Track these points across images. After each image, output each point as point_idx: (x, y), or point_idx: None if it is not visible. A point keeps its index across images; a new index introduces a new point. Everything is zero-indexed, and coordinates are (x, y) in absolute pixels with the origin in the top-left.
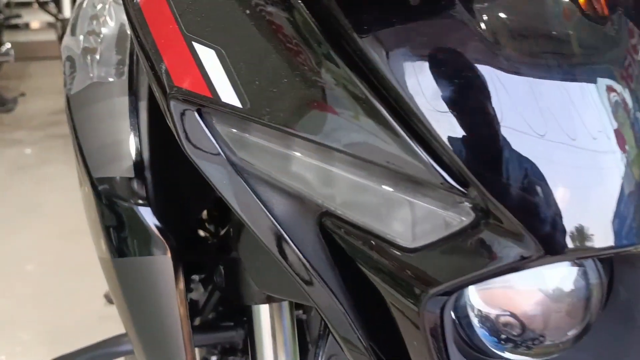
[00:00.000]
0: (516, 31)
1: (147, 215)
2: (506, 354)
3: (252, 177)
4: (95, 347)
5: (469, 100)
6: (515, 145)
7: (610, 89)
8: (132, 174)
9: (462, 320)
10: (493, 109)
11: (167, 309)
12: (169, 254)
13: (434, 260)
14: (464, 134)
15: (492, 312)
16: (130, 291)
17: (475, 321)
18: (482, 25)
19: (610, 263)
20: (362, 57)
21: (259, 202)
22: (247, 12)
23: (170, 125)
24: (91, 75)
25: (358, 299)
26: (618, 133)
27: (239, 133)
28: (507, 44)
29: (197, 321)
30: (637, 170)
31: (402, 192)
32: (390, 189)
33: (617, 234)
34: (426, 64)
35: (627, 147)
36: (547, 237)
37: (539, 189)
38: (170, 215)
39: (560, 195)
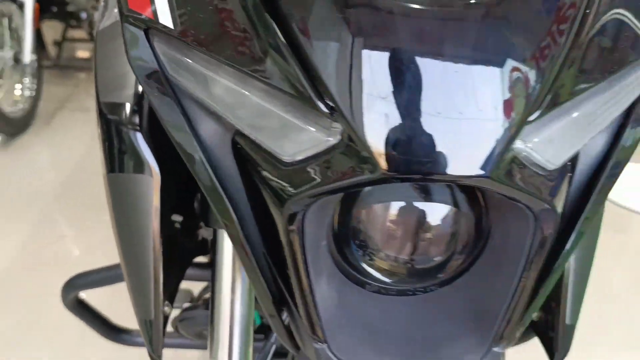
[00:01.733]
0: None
1: (137, 139)
2: (378, 275)
3: (183, 95)
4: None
5: (348, 49)
6: (374, 82)
7: (514, 69)
8: (131, 101)
9: (342, 238)
10: (360, 54)
11: (144, 224)
12: (151, 174)
13: (301, 173)
14: (336, 71)
15: (369, 232)
16: (117, 205)
17: (353, 240)
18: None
19: (485, 211)
20: (278, 11)
21: (184, 118)
22: None
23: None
24: (116, 12)
25: (260, 212)
26: (507, 102)
27: (174, 53)
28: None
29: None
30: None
31: (290, 115)
32: (282, 113)
33: (452, 164)
34: (328, 23)
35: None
36: (388, 159)
37: (388, 117)
38: (158, 143)
39: (408, 124)
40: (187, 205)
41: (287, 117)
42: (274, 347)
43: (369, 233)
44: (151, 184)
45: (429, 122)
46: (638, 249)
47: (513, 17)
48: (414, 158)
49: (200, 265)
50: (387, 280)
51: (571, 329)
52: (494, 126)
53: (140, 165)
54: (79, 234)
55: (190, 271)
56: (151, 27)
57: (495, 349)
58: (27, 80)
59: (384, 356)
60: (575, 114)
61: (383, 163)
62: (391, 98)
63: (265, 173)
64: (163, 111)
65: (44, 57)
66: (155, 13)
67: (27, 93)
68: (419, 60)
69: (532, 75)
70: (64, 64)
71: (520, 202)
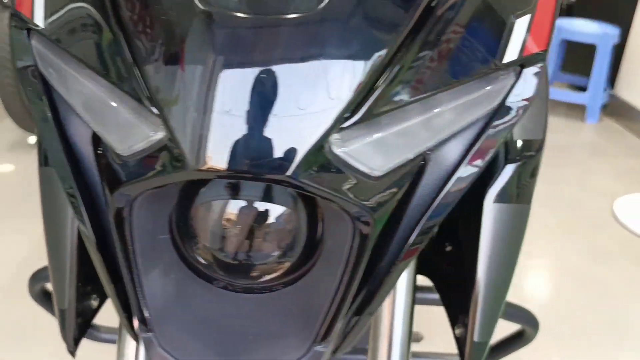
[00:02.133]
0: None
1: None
2: (219, 271)
3: (54, 92)
4: None
5: (171, 58)
6: (188, 88)
7: (325, 74)
8: None
9: (181, 233)
10: (178, 63)
11: (63, 216)
12: None
13: (131, 166)
14: (162, 78)
15: (202, 228)
16: (44, 198)
17: (191, 235)
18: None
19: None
20: (124, 22)
21: (49, 112)
22: None
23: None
24: None
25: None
26: (316, 106)
27: (45, 52)
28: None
29: None
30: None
31: (128, 113)
32: (123, 111)
33: (243, 163)
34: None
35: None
36: (197, 157)
37: (197, 119)
38: None
39: (216, 126)
40: None
41: (126, 115)
42: None
43: (202, 229)
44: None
45: (235, 124)
46: None
47: (330, 26)
48: (221, 157)
49: None
50: (225, 277)
51: (481, 346)
52: (302, 129)
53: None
54: None
55: None
56: (30, 27)
57: (318, 348)
58: None
59: (209, 350)
60: (407, 122)
61: (192, 160)
62: (201, 103)
63: (109, 166)
64: (33, 105)
65: None
66: (33, 15)
67: None
68: (229, 67)
69: (348, 79)
70: None
71: (338, 205)
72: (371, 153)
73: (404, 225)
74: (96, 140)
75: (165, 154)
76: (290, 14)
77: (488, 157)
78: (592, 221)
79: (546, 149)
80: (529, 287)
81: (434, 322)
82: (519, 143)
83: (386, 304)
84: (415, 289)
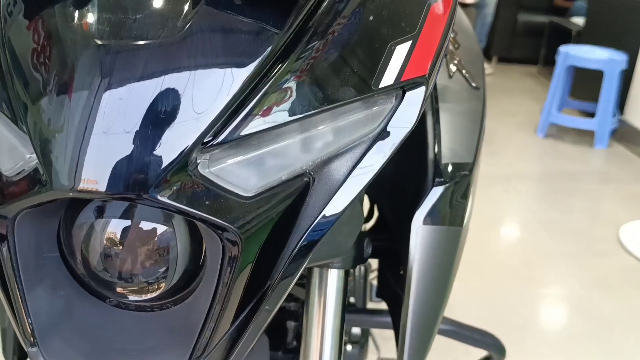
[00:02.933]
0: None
1: None
2: (105, 289)
3: None
4: None
5: (40, 82)
6: (50, 110)
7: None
8: None
9: (69, 250)
10: (47, 74)
11: None
12: None
13: (10, 186)
14: (30, 100)
15: (84, 247)
16: None
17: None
18: (80, 21)
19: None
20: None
21: None
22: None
23: None
24: None
25: None
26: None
27: None
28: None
29: None
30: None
31: (10, 134)
32: (6, 133)
33: (104, 182)
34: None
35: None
36: (57, 177)
37: (58, 139)
38: None
39: (74, 145)
40: None
41: (8, 136)
42: None
43: (82, 248)
44: None
45: (97, 146)
46: None
47: (195, 46)
48: (80, 177)
49: None
50: (109, 294)
51: None
52: (163, 146)
53: None
54: None
55: None
56: None
57: None
58: None
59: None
60: (281, 142)
61: (53, 180)
62: (65, 124)
63: None
64: None
65: None
66: None
67: None
68: (91, 91)
69: (209, 100)
70: None
71: (208, 225)
72: (241, 173)
73: (290, 244)
74: None
75: (35, 175)
76: (152, 39)
77: (369, 179)
78: (598, 249)
79: (554, 175)
80: (533, 317)
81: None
82: (449, 165)
83: (315, 323)
84: (344, 309)
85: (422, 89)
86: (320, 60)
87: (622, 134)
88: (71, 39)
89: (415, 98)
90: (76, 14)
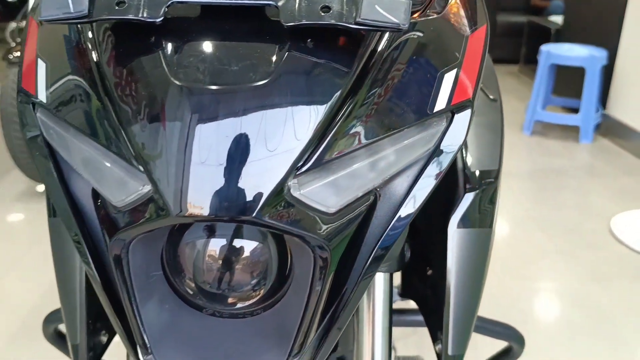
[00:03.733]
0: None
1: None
2: (207, 300)
3: (57, 154)
4: None
5: (152, 123)
6: (167, 148)
7: (279, 130)
8: None
9: (172, 269)
10: (160, 120)
11: (72, 265)
12: None
13: (125, 215)
14: (145, 141)
15: (189, 265)
16: (55, 245)
17: (181, 270)
18: (173, 60)
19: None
20: (110, 92)
21: (54, 172)
22: (68, 46)
23: (18, 111)
24: None
25: None
26: (274, 158)
27: (48, 121)
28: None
29: None
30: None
31: (120, 171)
32: (116, 169)
33: (215, 207)
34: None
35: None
36: (176, 205)
37: (177, 174)
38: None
39: (192, 178)
40: None
41: (118, 173)
42: None
43: (188, 265)
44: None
45: (208, 175)
46: None
47: (284, 82)
48: (196, 204)
49: None
50: (214, 305)
51: (456, 359)
52: (264, 177)
53: None
54: None
55: None
56: (34, 101)
57: None
58: None
59: None
60: (355, 165)
61: (173, 208)
62: (179, 158)
63: (106, 217)
64: (41, 168)
65: None
66: (37, 90)
67: None
68: (200, 128)
69: (300, 132)
70: None
71: (300, 239)
72: (325, 193)
73: (363, 251)
74: (95, 193)
75: (151, 204)
76: (247, 83)
77: (429, 190)
78: (591, 240)
79: (543, 171)
80: (529, 310)
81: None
82: (477, 173)
83: (365, 324)
84: (392, 310)
85: (469, 111)
86: (381, 94)
87: (606, 128)
88: (176, 86)
89: (462, 119)
90: (177, 58)
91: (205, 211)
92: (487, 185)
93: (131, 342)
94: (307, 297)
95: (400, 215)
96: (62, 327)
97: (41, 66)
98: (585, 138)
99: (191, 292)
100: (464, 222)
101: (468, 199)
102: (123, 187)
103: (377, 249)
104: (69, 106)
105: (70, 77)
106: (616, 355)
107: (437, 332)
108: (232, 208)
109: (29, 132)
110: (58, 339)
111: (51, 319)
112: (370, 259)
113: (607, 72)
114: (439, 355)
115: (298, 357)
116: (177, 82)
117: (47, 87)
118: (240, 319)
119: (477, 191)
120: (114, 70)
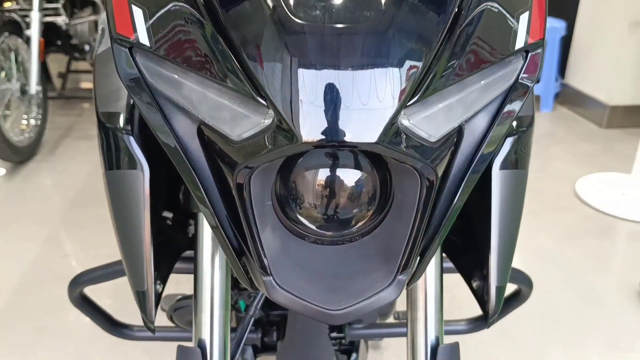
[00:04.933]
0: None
1: (130, 141)
2: (313, 226)
3: (159, 96)
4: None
5: (276, 59)
6: (294, 81)
7: (393, 66)
8: (124, 111)
9: (283, 199)
10: (283, 55)
11: (138, 210)
12: (142, 170)
13: (245, 148)
14: (268, 74)
15: (301, 193)
16: (114, 198)
17: (291, 200)
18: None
19: (388, 172)
20: (226, 33)
21: (161, 115)
22: None
23: (114, 58)
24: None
25: (221, 184)
26: (389, 91)
27: (150, 64)
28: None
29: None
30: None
31: (238, 106)
32: (232, 106)
33: (350, 135)
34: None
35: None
36: (304, 132)
37: (304, 104)
38: (148, 145)
39: (318, 109)
40: (176, 202)
41: (235, 108)
42: (251, 321)
43: (301, 194)
44: (142, 178)
45: (333, 107)
46: (622, 253)
47: (393, 25)
48: (323, 130)
49: (190, 260)
50: (319, 231)
51: (500, 290)
52: (380, 108)
53: (133, 163)
54: (81, 253)
55: (180, 265)
56: (133, 45)
57: (400, 277)
58: (33, 110)
59: (315, 285)
60: (450, 99)
61: (301, 134)
62: (303, 91)
63: (221, 151)
64: (145, 110)
65: (50, 89)
66: (136, 35)
67: (33, 122)
68: (323, 63)
69: (409, 70)
70: (68, 94)
71: (408, 164)
72: (427, 124)
73: (451, 182)
74: (201, 133)
75: (278, 134)
76: (363, 22)
77: (507, 126)
78: (558, 203)
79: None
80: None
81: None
82: (515, 120)
83: (419, 280)
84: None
85: (541, 49)
86: (471, 33)
87: (564, 96)
88: (294, 24)
89: (536, 57)
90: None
91: (331, 137)
92: (523, 130)
93: (245, 270)
94: (413, 220)
95: (482, 151)
96: (87, 291)
97: (137, 9)
98: (546, 107)
99: (302, 220)
100: (504, 164)
101: (508, 143)
102: (244, 120)
103: (465, 181)
104: (175, 47)
105: (174, 17)
106: (588, 303)
107: (472, 271)
108: (356, 134)
109: (128, 76)
110: (83, 302)
111: (78, 282)
112: (461, 190)
113: (566, 43)
114: (476, 292)
115: (404, 275)
116: (296, 20)
117: (148, 30)
118: (340, 245)
119: (516, 136)
120: (226, 8)
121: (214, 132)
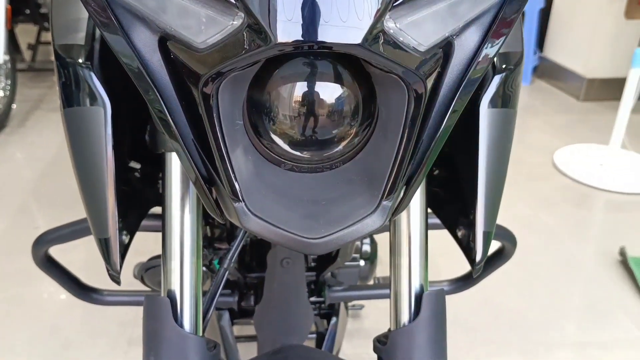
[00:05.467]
0: None
1: (90, 75)
2: (287, 148)
3: (117, 6)
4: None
5: None
6: None
7: None
8: (83, 42)
9: (254, 117)
10: None
11: (99, 150)
12: (103, 106)
13: (212, 55)
14: None
15: (275, 110)
16: (74, 136)
17: (263, 118)
18: None
19: (371, 87)
20: None
21: (120, 28)
22: None
23: None
24: None
25: (187, 103)
26: None
27: None
28: None
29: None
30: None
31: (202, 8)
32: (196, 7)
33: (331, 34)
34: None
35: None
36: (280, 31)
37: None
38: (108, 79)
39: (294, 4)
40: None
41: (199, 10)
42: (225, 275)
43: (275, 110)
44: (103, 114)
45: (311, 3)
46: (599, 222)
47: None
48: (300, 30)
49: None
50: (295, 154)
51: (487, 236)
52: (364, 5)
53: (93, 98)
54: (51, 224)
55: (149, 222)
56: None
57: (385, 203)
58: (1, 81)
59: (291, 211)
60: (439, 4)
61: (275, 34)
62: None
63: (185, 63)
64: (98, 21)
65: (19, 60)
66: None
67: (1, 94)
68: None
69: None
70: (38, 67)
71: (395, 74)
72: (415, 30)
73: (440, 101)
74: (163, 46)
75: (249, 35)
76: None
77: (502, 40)
78: (537, 173)
79: None
80: None
81: None
82: (503, 56)
83: (403, 225)
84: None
85: None
86: None
87: (542, 70)
88: None
89: None
90: None
91: (309, 37)
92: (512, 68)
93: (214, 200)
94: (400, 138)
95: (474, 69)
96: (52, 251)
97: None
98: (524, 80)
99: (276, 142)
100: (493, 103)
101: (496, 80)
102: (210, 24)
103: (455, 101)
104: None
105: None
106: (566, 267)
107: (456, 219)
108: (337, 35)
109: None
110: (48, 264)
111: (41, 241)
112: (450, 110)
113: (544, 16)
114: (461, 240)
115: (389, 201)
116: None
117: None
118: (319, 172)
119: (505, 73)
120: None
121: (177, 43)
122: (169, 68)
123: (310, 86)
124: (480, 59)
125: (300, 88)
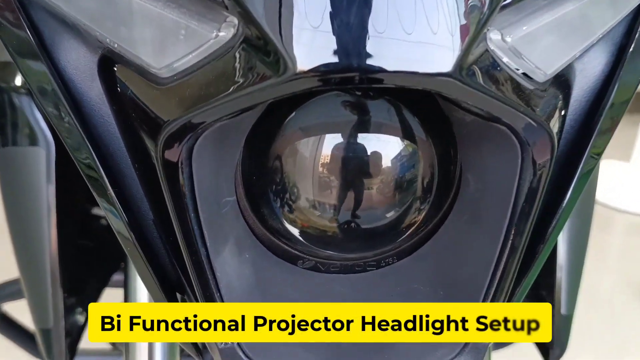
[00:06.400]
0: None
1: (28, 105)
2: (308, 241)
3: (39, 19)
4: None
5: None
6: None
7: None
8: None
9: (255, 190)
10: None
11: (36, 211)
12: (45, 146)
13: (182, 90)
14: None
15: (289, 178)
16: (6, 189)
17: (269, 191)
18: None
19: (454, 151)
20: None
21: (40, 50)
22: None
23: None
24: None
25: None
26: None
27: None
28: None
29: None
30: None
31: (168, 11)
32: (158, 9)
33: (396, 58)
34: None
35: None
36: (303, 50)
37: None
38: None
39: (317, 16)
40: None
41: (162, 12)
42: None
43: (290, 185)
44: (45, 156)
45: (364, 4)
46: (621, 247)
47: None
48: (341, 49)
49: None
50: (321, 249)
51: (568, 320)
52: (451, 4)
53: (32, 136)
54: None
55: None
56: None
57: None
58: None
59: (314, 351)
60: (561, 9)
61: (296, 56)
62: None
63: (138, 100)
64: (13, 45)
65: None
66: None
67: None
68: None
69: None
70: None
71: (502, 123)
72: (535, 46)
73: (561, 159)
74: (105, 69)
75: (243, 57)
76: None
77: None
78: None
79: None
80: None
81: None
82: None
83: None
84: None
85: None
86: None
87: None
88: None
89: None
90: None
91: (355, 60)
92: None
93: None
94: (507, 223)
95: (611, 103)
96: (6, 307)
97: None
98: None
99: (289, 230)
100: None
101: None
102: (181, 35)
103: (586, 158)
104: None
105: None
106: (584, 298)
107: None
108: (407, 58)
109: None
110: (3, 324)
111: None
112: (578, 175)
113: None
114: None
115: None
116: None
117: None
118: (358, 273)
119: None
120: None
121: (127, 65)
122: (115, 108)
123: (351, 144)
124: (616, 89)
125: (336, 146)
